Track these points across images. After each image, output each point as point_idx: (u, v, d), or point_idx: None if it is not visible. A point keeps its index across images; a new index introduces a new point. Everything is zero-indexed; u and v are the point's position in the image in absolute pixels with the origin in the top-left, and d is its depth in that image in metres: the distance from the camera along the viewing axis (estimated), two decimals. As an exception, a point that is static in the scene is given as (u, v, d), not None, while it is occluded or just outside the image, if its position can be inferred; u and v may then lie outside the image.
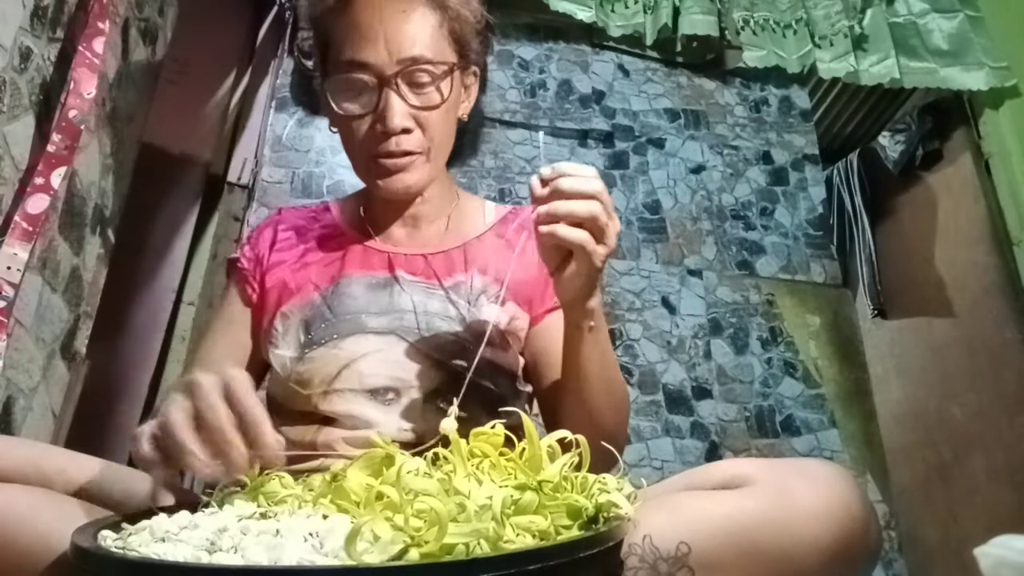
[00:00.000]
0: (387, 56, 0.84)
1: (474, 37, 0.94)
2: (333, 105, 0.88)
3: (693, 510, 0.59)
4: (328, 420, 0.84)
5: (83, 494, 0.65)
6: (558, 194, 0.68)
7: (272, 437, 0.57)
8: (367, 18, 0.85)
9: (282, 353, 0.88)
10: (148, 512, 0.58)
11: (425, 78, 0.86)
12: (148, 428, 0.60)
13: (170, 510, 0.59)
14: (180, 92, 2.08)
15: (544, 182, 0.69)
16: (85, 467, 0.69)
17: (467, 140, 1.08)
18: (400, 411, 0.83)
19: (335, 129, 0.93)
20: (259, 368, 0.94)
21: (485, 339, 0.86)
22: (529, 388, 0.95)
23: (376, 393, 0.83)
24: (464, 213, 1.00)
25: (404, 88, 0.86)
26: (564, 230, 0.67)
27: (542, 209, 0.68)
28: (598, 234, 0.68)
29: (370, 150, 0.88)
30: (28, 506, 0.59)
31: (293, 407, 0.86)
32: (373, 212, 0.98)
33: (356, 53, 0.85)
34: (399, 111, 0.85)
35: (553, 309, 0.94)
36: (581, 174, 0.68)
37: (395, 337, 0.86)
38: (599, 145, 2.32)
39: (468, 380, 0.84)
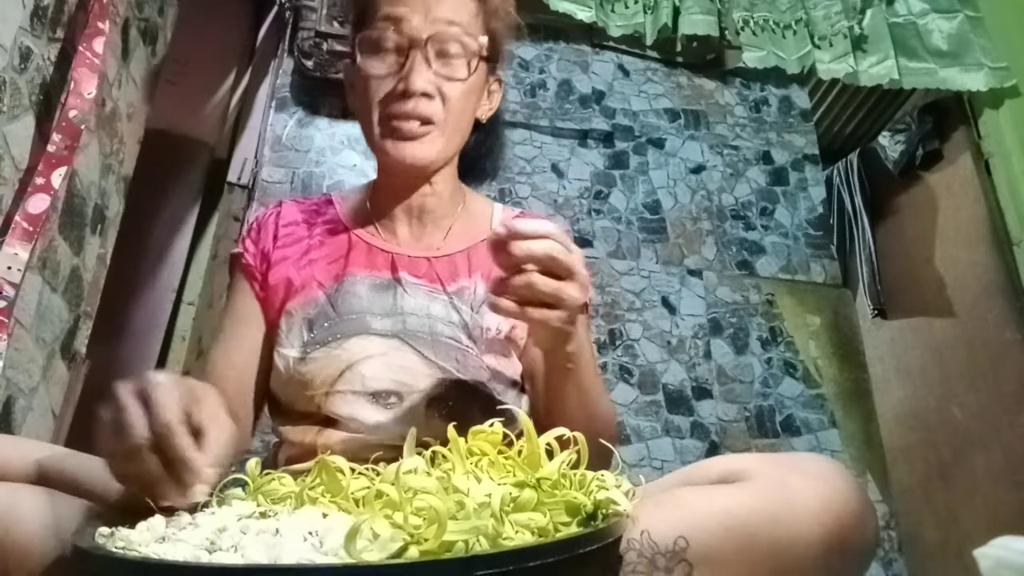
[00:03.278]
0: (422, 17, 0.85)
1: (505, 40, 0.95)
2: (359, 60, 0.88)
3: (691, 505, 0.59)
4: (330, 422, 0.84)
5: (84, 494, 0.65)
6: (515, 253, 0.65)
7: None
8: None
9: (286, 352, 0.87)
10: (148, 512, 0.58)
11: (455, 49, 0.87)
12: None
13: (170, 510, 0.59)
14: (180, 92, 2.09)
15: (498, 244, 0.66)
16: (86, 467, 0.69)
17: (488, 149, 1.06)
18: (401, 415, 0.82)
19: (354, 102, 0.93)
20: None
21: (486, 347, 0.86)
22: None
23: (378, 396, 0.83)
24: (471, 215, 0.98)
25: (432, 54, 0.86)
26: (508, 305, 0.66)
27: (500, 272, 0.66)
28: (552, 300, 0.66)
29: (387, 109, 0.87)
30: (29, 505, 0.59)
31: (295, 407, 0.86)
32: (379, 201, 0.96)
33: (393, 8, 0.86)
34: (424, 74, 0.85)
35: None
36: (534, 229, 0.66)
37: (398, 340, 0.85)
38: (599, 145, 2.32)
39: (469, 386, 0.84)
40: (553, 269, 0.66)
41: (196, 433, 0.58)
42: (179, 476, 0.56)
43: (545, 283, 0.65)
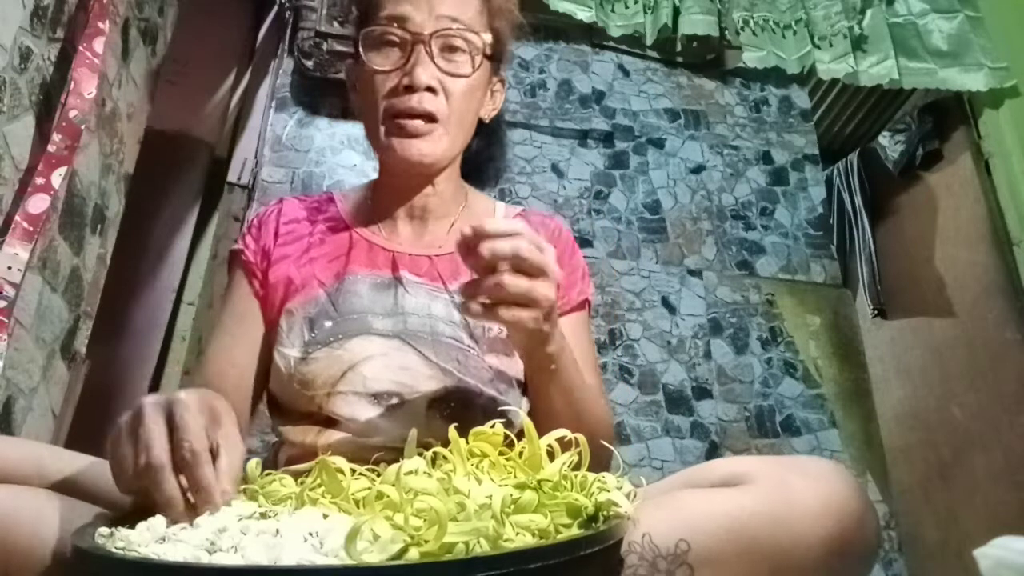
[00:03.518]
0: (426, 14, 0.86)
1: (508, 40, 0.95)
2: (363, 56, 0.88)
3: (692, 508, 0.59)
4: (331, 422, 0.83)
5: (85, 495, 0.65)
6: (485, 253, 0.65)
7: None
8: None
9: (287, 352, 0.86)
10: (148, 512, 0.58)
11: (459, 43, 0.87)
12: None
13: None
14: (180, 92, 2.09)
15: (467, 248, 0.66)
16: (86, 468, 0.69)
17: (491, 154, 1.07)
18: (402, 416, 0.82)
19: (357, 101, 0.94)
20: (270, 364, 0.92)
21: (487, 346, 0.85)
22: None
23: (379, 397, 0.82)
24: (473, 213, 0.98)
25: (436, 50, 0.87)
26: (476, 308, 0.66)
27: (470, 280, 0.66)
28: (524, 300, 0.66)
29: (391, 107, 0.87)
30: (30, 506, 0.59)
31: (296, 407, 0.86)
32: (381, 201, 0.96)
33: (397, 7, 0.87)
34: (428, 69, 0.85)
35: None
36: (502, 228, 0.66)
37: (399, 341, 0.85)
38: (599, 145, 2.32)
39: (471, 388, 0.84)
40: (523, 268, 0.65)
41: (212, 453, 0.58)
42: (197, 500, 0.56)
43: (515, 283, 0.65)
